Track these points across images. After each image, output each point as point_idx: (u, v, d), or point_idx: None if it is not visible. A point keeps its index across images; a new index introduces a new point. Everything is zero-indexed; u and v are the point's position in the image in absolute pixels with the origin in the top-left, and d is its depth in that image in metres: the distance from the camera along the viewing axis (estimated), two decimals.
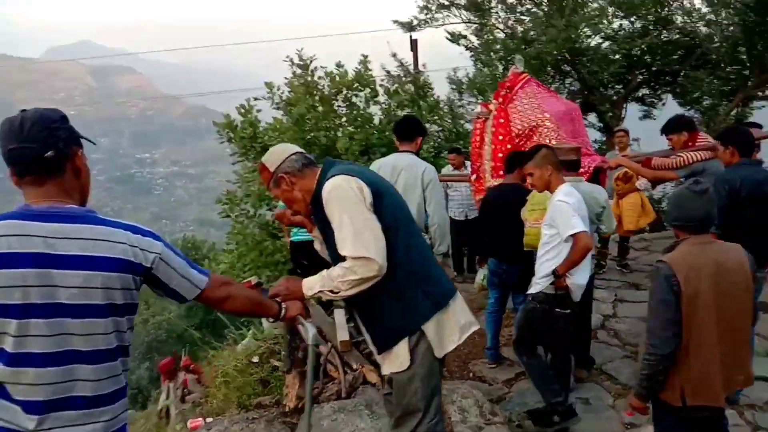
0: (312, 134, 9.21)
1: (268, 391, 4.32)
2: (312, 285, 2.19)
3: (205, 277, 1.80)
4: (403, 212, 2.29)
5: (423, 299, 2.20)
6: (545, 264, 3.53)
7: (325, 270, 2.21)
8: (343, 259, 2.13)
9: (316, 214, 2.29)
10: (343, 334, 4.74)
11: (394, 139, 4.30)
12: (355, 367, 4.27)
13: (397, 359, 2.25)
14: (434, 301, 2.23)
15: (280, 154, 2.31)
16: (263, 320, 6.79)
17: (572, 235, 3.32)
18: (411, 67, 12.88)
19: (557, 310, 3.50)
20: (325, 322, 5.17)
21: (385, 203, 2.19)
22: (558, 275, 3.41)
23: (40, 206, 1.58)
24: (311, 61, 9.89)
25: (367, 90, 9.64)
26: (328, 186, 2.14)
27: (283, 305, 2.12)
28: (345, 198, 2.10)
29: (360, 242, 2.06)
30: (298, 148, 2.38)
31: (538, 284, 3.57)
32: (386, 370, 2.34)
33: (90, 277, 1.55)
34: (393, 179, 3.85)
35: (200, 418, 4.56)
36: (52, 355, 1.53)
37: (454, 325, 2.28)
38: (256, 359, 5.00)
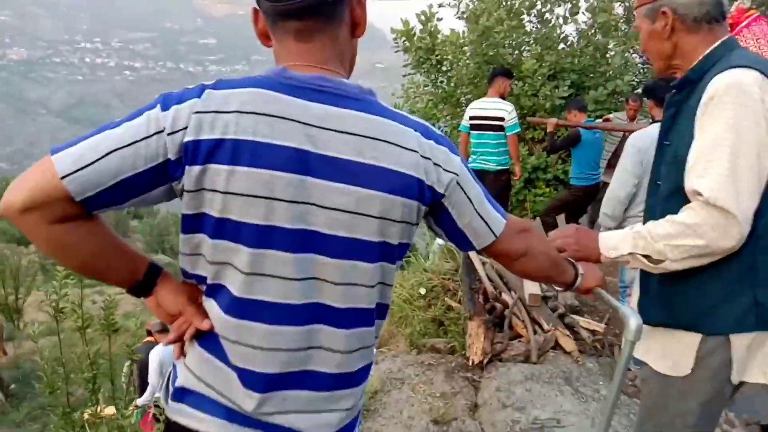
0: (495, 50, 8.25)
1: (441, 332, 3.85)
2: (617, 242, 1.45)
3: (503, 219, 1.15)
4: None
5: (749, 307, 1.40)
6: None
7: (639, 223, 1.47)
8: (674, 201, 1.39)
9: (674, 99, 1.52)
10: (532, 287, 4.10)
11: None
12: (546, 327, 3.65)
13: (667, 352, 1.50)
14: (763, 318, 1.40)
15: None
16: None
17: None
18: None
19: None
20: None
21: None
22: None
23: (305, 74, 0.99)
24: None
25: (567, 5, 8.36)
26: (730, 79, 1.33)
27: (580, 271, 1.36)
28: (745, 112, 1.30)
29: (733, 186, 1.27)
30: None
31: None
32: (643, 356, 1.58)
33: (364, 199, 0.97)
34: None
35: None
36: (294, 308, 0.99)
37: None
38: (422, 291, 4.57)
